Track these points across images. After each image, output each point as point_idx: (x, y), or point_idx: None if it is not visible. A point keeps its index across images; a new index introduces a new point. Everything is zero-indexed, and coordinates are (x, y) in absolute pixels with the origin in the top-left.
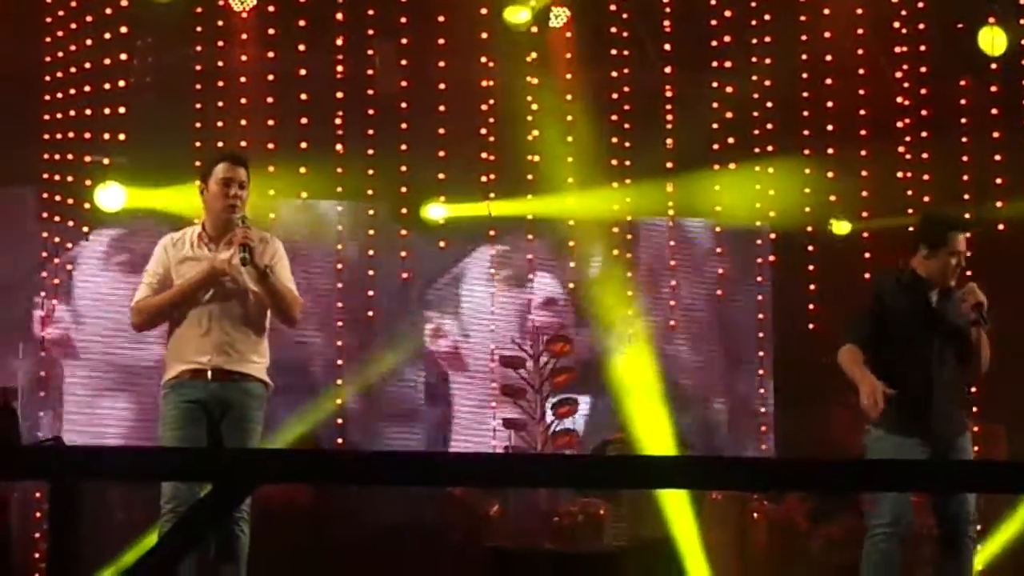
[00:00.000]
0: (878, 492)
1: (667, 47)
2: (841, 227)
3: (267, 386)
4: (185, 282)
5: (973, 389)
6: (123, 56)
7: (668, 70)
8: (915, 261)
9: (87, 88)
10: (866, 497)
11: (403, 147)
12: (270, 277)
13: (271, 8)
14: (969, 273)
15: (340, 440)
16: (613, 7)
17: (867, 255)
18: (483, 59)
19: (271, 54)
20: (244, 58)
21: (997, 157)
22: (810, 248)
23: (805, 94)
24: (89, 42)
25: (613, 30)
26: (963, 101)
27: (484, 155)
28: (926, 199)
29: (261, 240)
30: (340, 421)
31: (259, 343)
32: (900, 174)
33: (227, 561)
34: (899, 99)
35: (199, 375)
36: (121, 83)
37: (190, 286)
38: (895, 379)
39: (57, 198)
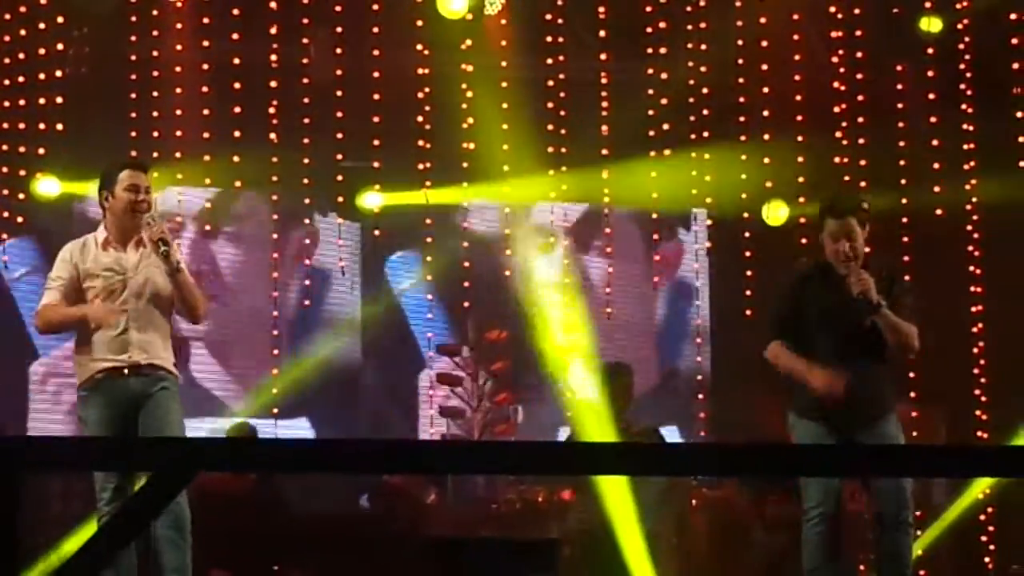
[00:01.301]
0: (802, 476)
1: (602, 34)
2: (777, 213)
3: (177, 378)
4: (75, 312)
5: (912, 374)
6: (59, 46)
7: (603, 57)
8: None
9: (21, 79)
10: (800, 481)
11: (339, 135)
12: (182, 272)
13: None
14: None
15: (276, 430)
16: None
17: (803, 241)
18: (418, 47)
19: (206, 43)
20: (179, 47)
21: (934, 142)
22: (746, 234)
23: (741, 80)
24: (23, 32)
25: (548, 17)
26: (900, 86)
27: (420, 143)
28: (863, 184)
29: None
30: (276, 411)
31: (167, 339)
32: (837, 159)
33: (175, 529)
34: (835, 84)
35: (116, 373)
36: (57, 73)
37: (75, 319)
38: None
39: None
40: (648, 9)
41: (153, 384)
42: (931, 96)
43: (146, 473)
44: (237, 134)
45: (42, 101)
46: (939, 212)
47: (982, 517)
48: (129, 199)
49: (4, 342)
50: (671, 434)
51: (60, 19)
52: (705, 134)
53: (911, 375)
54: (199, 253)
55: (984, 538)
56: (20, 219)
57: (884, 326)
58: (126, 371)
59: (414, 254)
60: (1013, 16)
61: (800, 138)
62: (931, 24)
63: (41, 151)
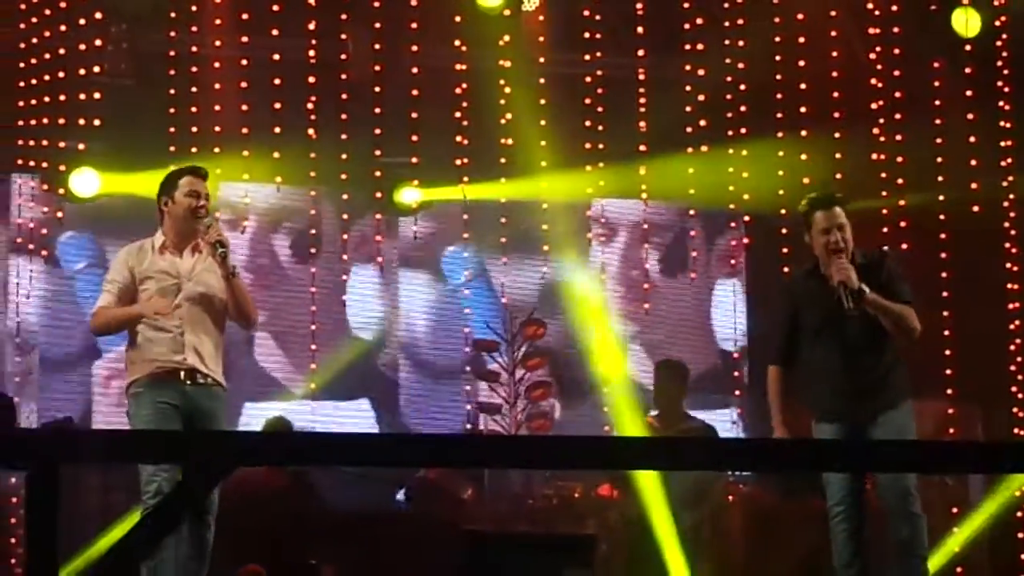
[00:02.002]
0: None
1: (640, 30)
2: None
3: (226, 390)
4: (130, 311)
5: (948, 371)
6: (98, 42)
7: (641, 53)
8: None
9: (61, 74)
10: (823, 480)
11: (377, 131)
12: (237, 277)
13: None
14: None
15: (313, 425)
16: None
17: None
18: (456, 43)
19: (245, 39)
20: (218, 43)
21: (971, 139)
22: (784, 230)
23: (778, 76)
24: (63, 28)
25: (586, 13)
26: (937, 83)
27: (457, 139)
28: (900, 181)
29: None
30: (313, 406)
31: (219, 348)
32: (874, 156)
33: (193, 553)
34: (873, 81)
35: (173, 375)
36: (96, 69)
37: (129, 318)
38: (815, 369)
39: (32, 184)
40: (686, 5)
41: (209, 399)
42: (968, 93)
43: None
44: (276, 130)
45: (82, 97)
46: (976, 209)
47: (1019, 514)
48: (189, 204)
49: (70, 341)
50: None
51: (99, 15)
52: (742, 130)
53: (947, 372)
54: (257, 247)
55: (1021, 535)
56: (60, 214)
57: (874, 311)
58: (182, 373)
59: (453, 249)
60: None
61: (837, 135)
62: (968, 21)
63: (81, 146)
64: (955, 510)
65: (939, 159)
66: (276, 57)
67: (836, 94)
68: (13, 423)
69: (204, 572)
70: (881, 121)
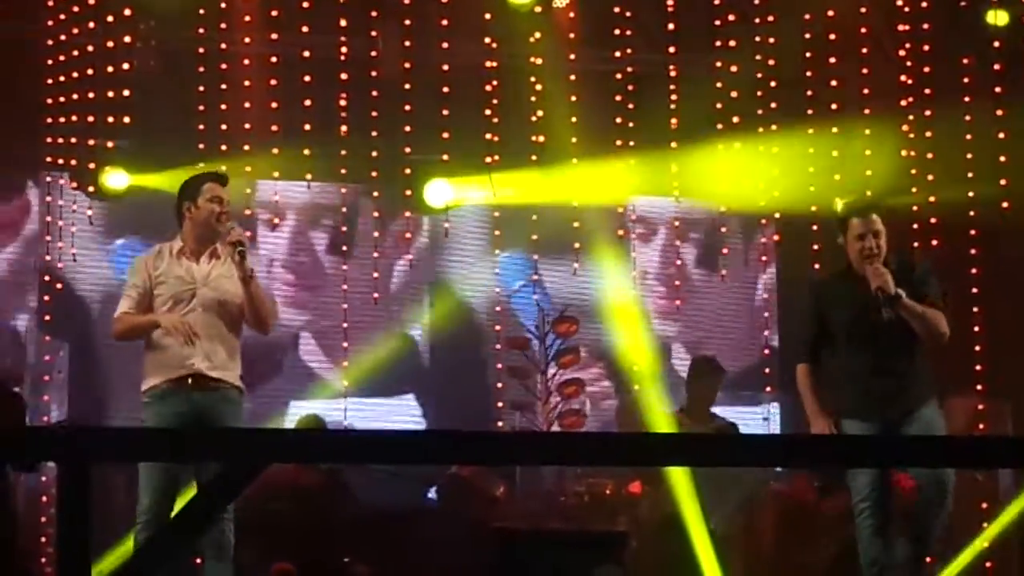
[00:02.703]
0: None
1: (670, 26)
2: (851, 198)
3: (242, 392)
4: (150, 320)
5: (978, 367)
6: (126, 39)
7: (672, 50)
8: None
9: (90, 71)
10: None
11: (407, 129)
12: (254, 280)
13: None
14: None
15: (345, 422)
16: None
17: None
18: (486, 40)
19: (274, 36)
20: (247, 40)
21: (1000, 135)
22: (815, 227)
23: (808, 73)
24: (92, 25)
25: (616, 10)
26: (966, 80)
27: (488, 136)
28: (930, 178)
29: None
30: (345, 403)
31: (236, 351)
32: (904, 153)
33: (217, 553)
34: (902, 78)
35: (181, 383)
36: (125, 66)
37: (148, 325)
38: (842, 369)
39: (61, 182)
40: (716, 2)
41: (218, 402)
42: (997, 89)
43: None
44: (306, 127)
45: (110, 94)
46: (1005, 205)
47: None
48: (212, 210)
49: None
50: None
51: (128, 12)
52: (773, 127)
53: (977, 368)
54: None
55: None
56: (89, 212)
57: (908, 316)
58: (189, 380)
59: (483, 246)
60: None
61: (867, 131)
62: (997, 17)
63: (109, 144)
64: (985, 505)
65: (969, 155)
66: (306, 54)
67: (866, 91)
68: (22, 417)
69: (230, 571)
70: (911, 118)
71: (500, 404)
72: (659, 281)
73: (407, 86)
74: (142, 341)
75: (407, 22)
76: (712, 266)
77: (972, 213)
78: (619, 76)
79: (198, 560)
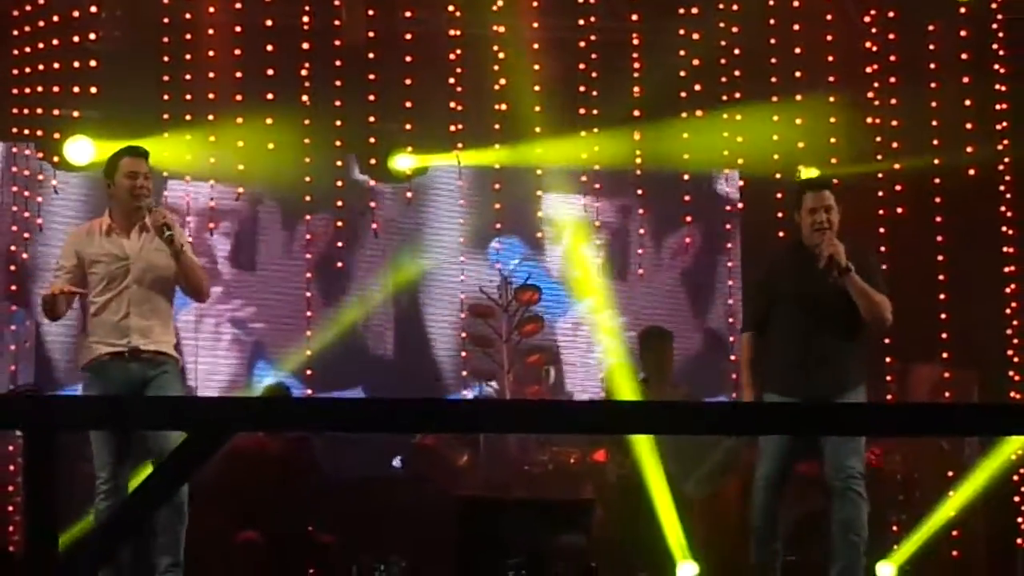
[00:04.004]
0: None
1: None
2: (809, 174)
3: (177, 361)
4: (48, 292)
5: (944, 335)
6: (92, 9)
7: (635, 17)
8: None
9: (55, 42)
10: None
11: (371, 98)
12: (184, 255)
13: None
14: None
15: (309, 391)
16: None
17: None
18: (450, 8)
19: (238, 5)
20: (211, 10)
21: (967, 102)
22: (779, 195)
23: (772, 40)
24: None
25: None
26: (932, 46)
27: (452, 105)
28: (895, 145)
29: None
30: (309, 372)
31: (168, 323)
32: (869, 120)
33: (172, 512)
34: (867, 45)
35: (118, 356)
36: (91, 36)
37: (51, 298)
38: (777, 338)
39: (26, 152)
40: None
41: (153, 368)
42: (964, 56)
43: (142, 463)
44: (270, 96)
45: (76, 64)
46: (972, 172)
47: (1015, 478)
48: (129, 185)
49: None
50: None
51: None
52: (737, 95)
53: (943, 336)
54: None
55: (1017, 499)
56: (54, 183)
57: (854, 291)
58: (127, 355)
59: (447, 215)
60: None
61: (832, 98)
62: None
63: (75, 114)
64: (951, 474)
65: (934, 123)
66: (269, 23)
67: (831, 58)
68: None
69: (183, 530)
70: (876, 85)
71: (464, 372)
72: (620, 250)
73: (371, 55)
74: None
75: None
76: (675, 234)
77: (938, 180)
78: (582, 44)
79: None
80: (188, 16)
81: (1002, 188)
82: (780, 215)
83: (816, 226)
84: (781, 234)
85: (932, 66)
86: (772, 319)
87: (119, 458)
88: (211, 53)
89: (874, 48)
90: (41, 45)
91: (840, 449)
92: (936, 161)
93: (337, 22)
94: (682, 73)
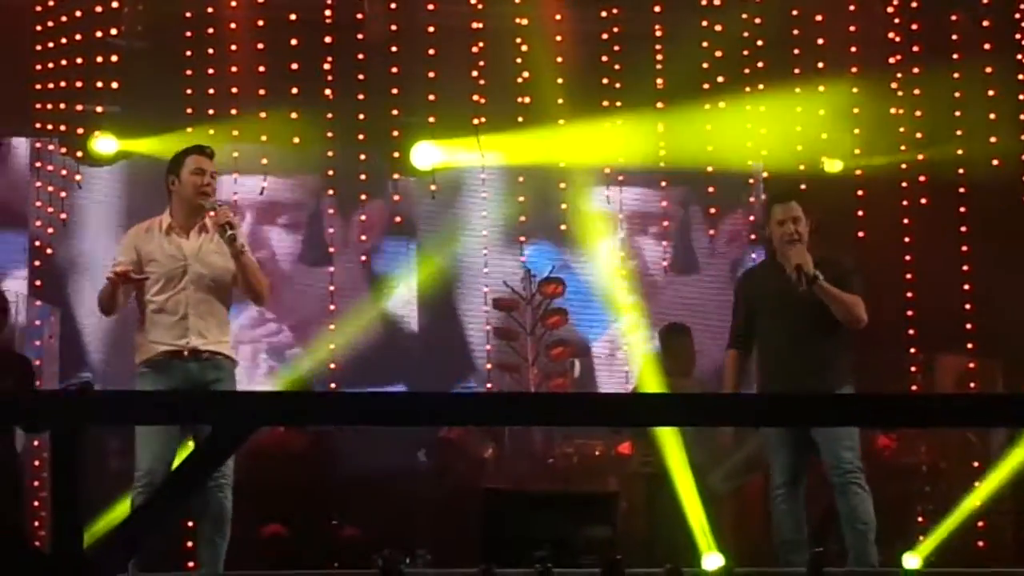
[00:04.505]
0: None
1: None
2: (833, 165)
3: (235, 362)
4: (106, 287)
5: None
6: (114, 4)
7: (657, 9)
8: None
9: (78, 37)
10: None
11: (393, 91)
12: (245, 255)
13: None
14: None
15: (333, 385)
16: None
17: (859, 193)
18: (472, 1)
19: (260, 0)
20: (234, 3)
21: (990, 92)
22: (802, 187)
23: (795, 32)
24: None
25: None
26: (954, 36)
27: (475, 98)
28: (918, 135)
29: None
30: (333, 366)
31: (226, 323)
32: (892, 111)
33: (213, 529)
34: (890, 35)
35: (176, 355)
36: (113, 31)
37: (110, 288)
38: (762, 352)
39: (50, 147)
40: None
41: (210, 371)
42: (987, 46)
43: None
44: (293, 91)
45: (99, 59)
46: (995, 163)
47: None
48: (196, 182)
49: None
50: None
51: None
52: (760, 86)
53: (968, 326)
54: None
55: None
56: (78, 177)
57: (825, 298)
58: (185, 354)
59: (471, 208)
60: None
61: (855, 89)
62: None
63: (99, 109)
64: (977, 464)
65: (957, 113)
66: (292, 17)
67: (854, 49)
68: (33, 384)
69: (225, 544)
70: (899, 75)
71: (488, 366)
72: (645, 243)
73: (393, 49)
74: (138, 314)
75: None
76: (700, 226)
77: (961, 171)
78: (605, 36)
79: (190, 523)
80: (210, 10)
81: None
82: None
83: (785, 237)
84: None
85: (955, 56)
86: (755, 333)
87: (161, 455)
88: (234, 47)
89: (897, 39)
90: (64, 40)
91: (835, 445)
92: (959, 151)
93: (360, 16)
94: (705, 65)
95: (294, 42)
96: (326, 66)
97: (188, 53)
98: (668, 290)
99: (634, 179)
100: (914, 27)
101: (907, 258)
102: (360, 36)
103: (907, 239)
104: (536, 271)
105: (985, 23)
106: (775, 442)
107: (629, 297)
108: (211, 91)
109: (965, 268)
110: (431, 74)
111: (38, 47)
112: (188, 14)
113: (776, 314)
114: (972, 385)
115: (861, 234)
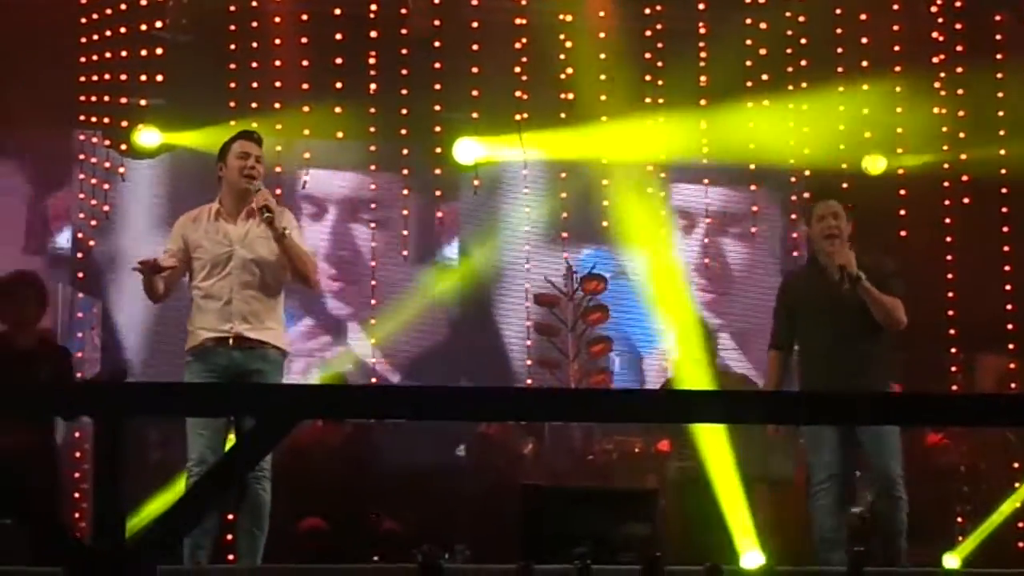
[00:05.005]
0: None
1: None
2: (875, 164)
3: (284, 353)
4: (147, 281)
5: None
6: None
7: (701, 6)
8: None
9: (123, 30)
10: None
11: (437, 86)
12: (287, 239)
13: None
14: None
15: (373, 379)
16: None
17: (901, 192)
18: None
19: None
20: None
21: None
22: (844, 185)
23: (839, 30)
24: None
25: None
26: (998, 36)
27: (518, 94)
28: (961, 135)
29: (278, 211)
30: (373, 360)
31: (276, 310)
32: (935, 110)
33: (252, 521)
34: (934, 34)
35: (221, 343)
36: (158, 24)
37: (148, 282)
38: (805, 356)
39: (94, 140)
40: None
41: (255, 361)
42: None
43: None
44: (337, 85)
45: (143, 52)
46: None
47: None
48: (239, 165)
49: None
50: None
51: None
52: (803, 84)
53: (1009, 327)
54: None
55: None
56: (122, 169)
57: (867, 298)
58: (230, 341)
59: (513, 204)
60: None
61: (898, 88)
62: None
63: (142, 102)
64: (1016, 465)
65: (1000, 113)
66: (336, 12)
67: (897, 48)
68: (72, 375)
69: (263, 536)
70: (942, 75)
71: (528, 361)
72: (689, 240)
73: (437, 44)
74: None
75: None
76: (742, 225)
77: (1004, 171)
78: (648, 33)
79: (230, 516)
80: (255, 4)
81: None
82: (848, 206)
83: (825, 232)
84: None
85: (999, 56)
86: (797, 335)
87: (211, 444)
88: (278, 41)
89: (941, 38)
90: (108, 33)
91: (883, 452)
92: (1002, 151)
93: (404, 11)
94: (748, 62)
95: (338, 36)
96: (370, 61)
97: (232, 47)
98: (711, 291)
99: (677, 177)
100: (958, 26)
101: (948, 258)
102: (404, 31)
103: (948, 239)
104: (579, 268)
105: None
106: (817, 440)
107: (676, 294)
108: (255, 85)
109: (1007, 268)
110: (474, 70)
111: (83, 40)
112: (232, 8)
113: (819, 314)
114: (1012, 386)
115: (903, 233)
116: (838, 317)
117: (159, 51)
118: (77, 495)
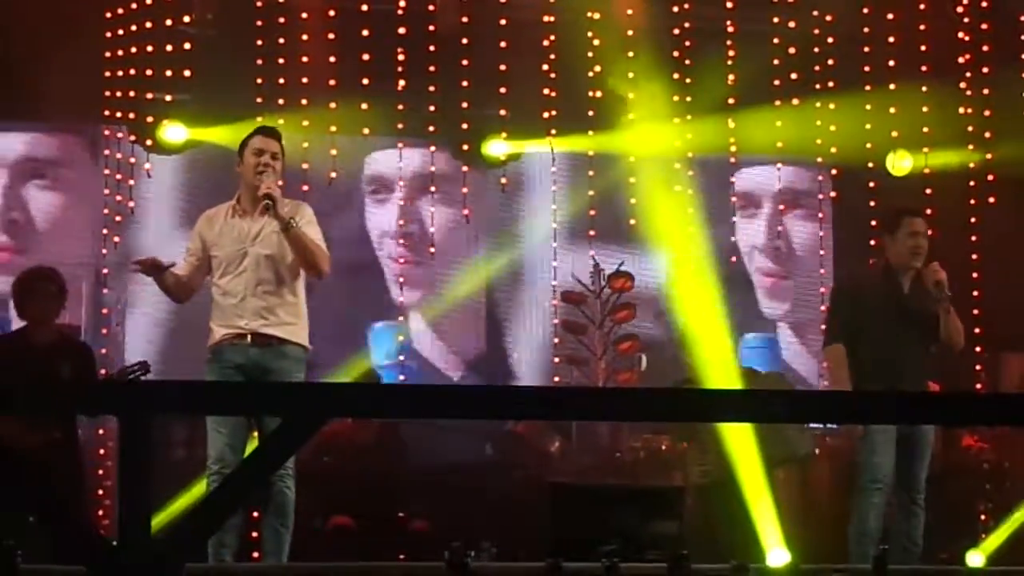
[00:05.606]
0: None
1: None
2: (900, 163)
3: (305, 349)
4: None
5: None
6: None
7: (730, 5)
8: (886, 251)
9: (149, 25)
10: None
11: (464, 83)
12: (293, 229)
13: None
14: None
15: (402, 377)
16: None
17: (927, 191)
18: None
19: None
20: None
21: None
22: (871, 184)
23: (866, 29)
24: None
25: None
26: None
27: (546, 91)
28: (987, 135)
29: (293, 204)
30: (402, 358)
31: (295, 306)
32: (961, 110)
33: (277, 518)
34: (960, 34)
35: (240, 339)
36: (184, 19)
37: (161, 283)
38: (862, 355)
39: (119, 135)
40: None
41: (273, 359)
42: None
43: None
44: (364, 82)
45: (169, 48)
46: None
47: None
48: (254, 162)
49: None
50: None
51: None
52: (831, 84)
53: None
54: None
55: None
56: (147, 165)
57: (944, 317)
58: (248, 338)
59: (541, 202)
60: None
61: (925, 88)
62: None
63: (168, 98)
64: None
65: None
66: (364, 8)
67: (924, 48)
68: (94, 372)
69: (288, 534)
70: (969, 75)
71: (556, 359)
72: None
73: (465, 41)
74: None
75: None
76: (768, 223)
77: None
78: (677, 32)
79: (255, 514)
80: (282, 0)
81: None
82: (873, 203)
83: (917, 250)
84: (873, 223)
85: None
86: (861, 334)
87: (231, 443)
88: (305, 37)
89: (967, 38)
90: (134, 28)
91: (915, 462)
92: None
93: (432, 7)
94: (776, 61)
95: (366, 33)
96: (398, 57)
97: (259, 42)
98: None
99: (705, 175)
100: (984, 27)
101: (974, 256)
102: (432, 28)
103: (974, 237)
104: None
105: None
106: (879, 441)
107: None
108: (281, 81)
109: None
110: (502, 67)
111: (109, 34)
112: (259, 3)
113: (886, 318)
114: None
115: (928, 232)
116: (906, 326)
117: (185, 46)
118: (100, 492)
